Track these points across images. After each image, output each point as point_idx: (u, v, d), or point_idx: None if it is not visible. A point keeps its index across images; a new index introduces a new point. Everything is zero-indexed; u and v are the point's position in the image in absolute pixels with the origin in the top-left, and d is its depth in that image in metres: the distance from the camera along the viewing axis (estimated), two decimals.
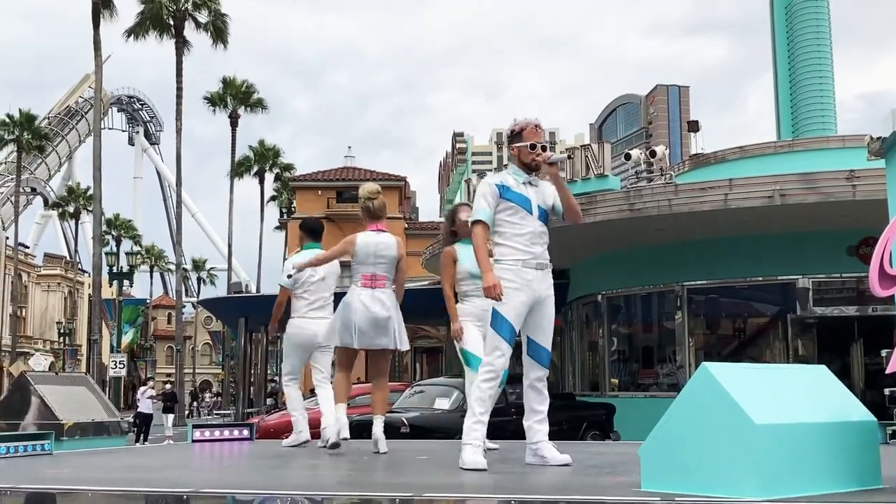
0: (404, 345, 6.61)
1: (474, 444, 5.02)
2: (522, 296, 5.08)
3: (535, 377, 5.23)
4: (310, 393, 9.44)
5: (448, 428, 13.45)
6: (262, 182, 57.47)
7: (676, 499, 3.38)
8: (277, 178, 58.35)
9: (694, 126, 24.83)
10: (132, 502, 4.05)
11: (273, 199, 60.30)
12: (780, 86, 35.22)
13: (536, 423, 5.25)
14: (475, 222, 5.30)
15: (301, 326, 7.38)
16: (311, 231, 7.66)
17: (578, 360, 22.16)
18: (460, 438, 8.55)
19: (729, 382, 3.50)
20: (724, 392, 3.46)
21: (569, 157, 17.59)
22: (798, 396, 3.77)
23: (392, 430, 7.45)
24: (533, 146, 5.31)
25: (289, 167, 58.23)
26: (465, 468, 4.89)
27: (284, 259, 55.70)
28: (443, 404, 14.59)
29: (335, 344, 6.73)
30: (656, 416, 3.78)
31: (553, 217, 5.42)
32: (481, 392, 5.11)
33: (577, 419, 14.85)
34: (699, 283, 18.71)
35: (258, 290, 55.85)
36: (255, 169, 56.56)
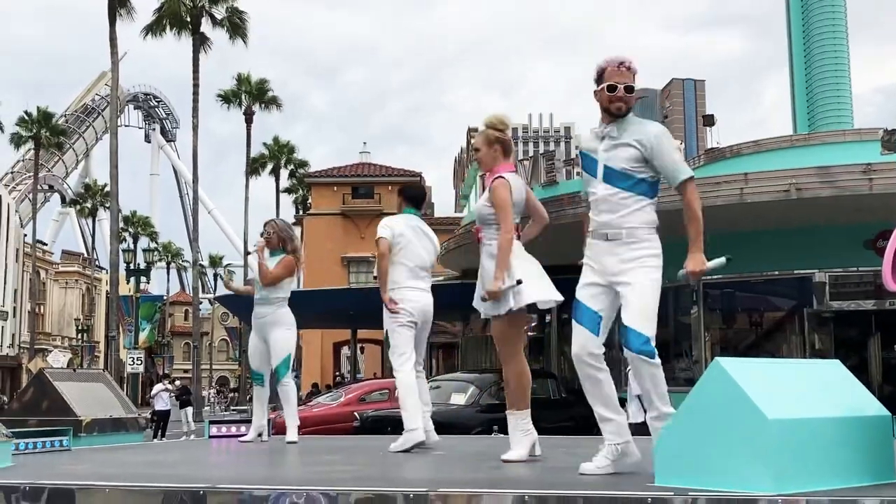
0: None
1: None
2: (589, 270, 4.53)
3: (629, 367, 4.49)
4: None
5: (464, 423, 13.49)
6: (277, 179, 57.64)
7: (690, 493, 3.39)
8: (292, 174, 58.48)
9: (709, 120, 24.72)
10: (149, 498, 4.08)
11: (287, 191, 60.31)
12: (796, 79, 34.94)
13: (652, 418, 4.43)
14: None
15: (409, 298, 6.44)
16: (412, 198, 6.80)
17: None
18: (478, 433, 8.59)
19: (741, 377, 3.50)
20: (736, 387, 3.46)
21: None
22: (811, 391, 3.77)
23: None
24: (612, 87, 4.39)
25: (303, 163, 58.35)
26: None
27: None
28: (459, 399, 14.63)
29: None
30: None
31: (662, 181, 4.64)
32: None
33: (591, 414, 14.85)
34: (715, 277, 18.64)
35: None
36: (271, 166, 56.72)
